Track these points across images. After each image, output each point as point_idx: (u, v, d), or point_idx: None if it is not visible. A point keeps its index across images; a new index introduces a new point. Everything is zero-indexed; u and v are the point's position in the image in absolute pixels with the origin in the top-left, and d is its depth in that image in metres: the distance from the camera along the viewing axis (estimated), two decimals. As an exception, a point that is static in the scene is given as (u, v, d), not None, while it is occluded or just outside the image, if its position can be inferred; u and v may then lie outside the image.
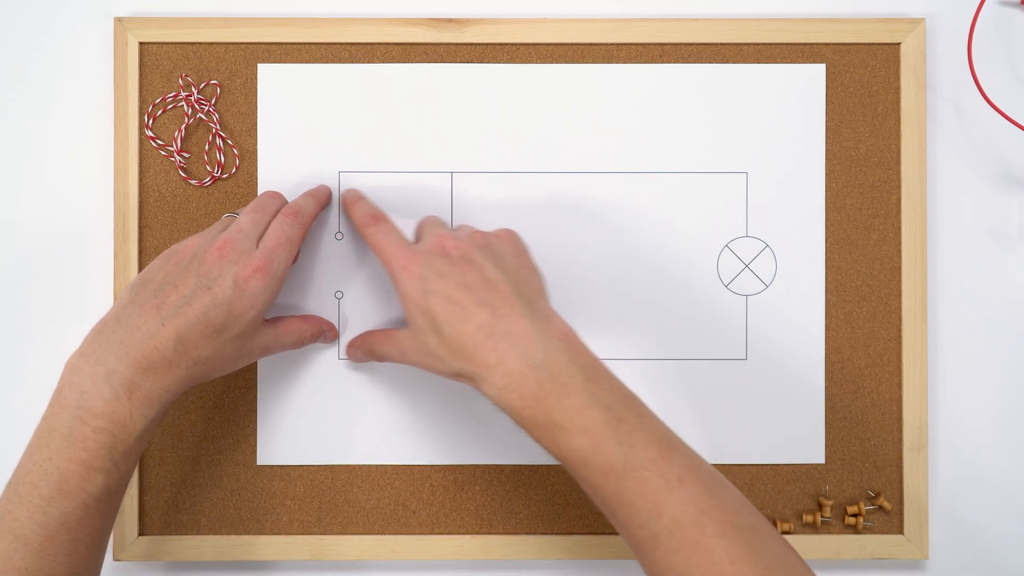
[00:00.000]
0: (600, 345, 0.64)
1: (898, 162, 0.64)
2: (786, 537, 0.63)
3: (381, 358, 0.60)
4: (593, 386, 0.51)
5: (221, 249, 0.55)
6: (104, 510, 0.52)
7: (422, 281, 0.54)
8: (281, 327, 0.60)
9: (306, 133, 0.64)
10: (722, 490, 0.49)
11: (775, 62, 0.64)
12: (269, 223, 0.58)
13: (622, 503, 0.49)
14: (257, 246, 0.56)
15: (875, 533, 0.64)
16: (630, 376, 0.64)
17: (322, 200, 0.62)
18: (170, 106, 0.64)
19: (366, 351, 0.61)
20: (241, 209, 0.60)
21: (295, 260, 0.61)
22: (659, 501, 0.48)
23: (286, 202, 0.61)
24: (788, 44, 0.64)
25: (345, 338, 0.64)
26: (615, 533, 0.64)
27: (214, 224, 0.60)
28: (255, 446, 0.64)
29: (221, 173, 0.64)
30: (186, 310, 0.53)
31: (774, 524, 0.63)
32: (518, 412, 0.51)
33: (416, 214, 0.64)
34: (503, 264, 0.55)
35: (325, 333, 0.63)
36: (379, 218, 0.59)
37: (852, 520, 0.63)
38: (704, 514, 0.48)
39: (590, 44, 0.64)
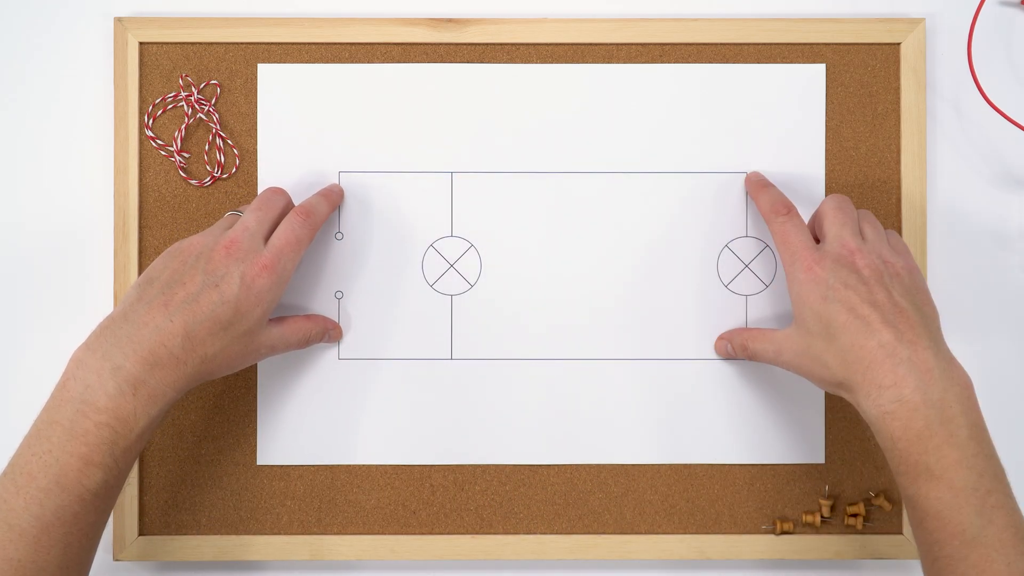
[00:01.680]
0: (600, 345, 0.64)
1: (898, 162, 0.64)
2: (785, 537, 0.63)
3: (752, 356, 0.60)
4: (976, 446, 0.50)
5: (228, 247, 0.55)
6: (100, 505, 0.52)
7: (826, 287, 0.53)
8: (287, 326, 0.60)
9: (306, 133, 0.64)
10: None
11: (775, 62, 0.64)
12: (275, 220, 0.58)
13: (954, 569, 0.49)
14: (264, 244, 0.57)
15: (875, 533, 0.64)
16: (630, 376, 0.64)
17: (335, 202, 0.62)
18: (170, 106, 0.64)
19: (737, 346, 0.62)
20: (244, 207, 0.60)
21: None
22: (992, 573, 0.48)
23: (290, 199, 0.61)
24: (788, 44, 0.64)
25: (349, 337, 0.64)
26: (615, 533, 0.64)
27: (218, 222, 0.60)
28: (255, 446, 0.64)
29: (221, 173, 0.64)
30: (194, 307, 0.53)
31: (774, 524, 0.63)
32: (893, 441, 0.50)
33: (416, 214, 0.64)
34: (909, 294, 0.54)
35: (329, 332, 0.63)
36: (790, 208, 0.58)
37: (852, 520, 0.63)
38: None
39: (590, 44, 0.64)
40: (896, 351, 0.51)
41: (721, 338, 0.63)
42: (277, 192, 0.61)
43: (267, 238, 0.57)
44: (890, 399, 0.50)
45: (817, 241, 0.58)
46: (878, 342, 0.51)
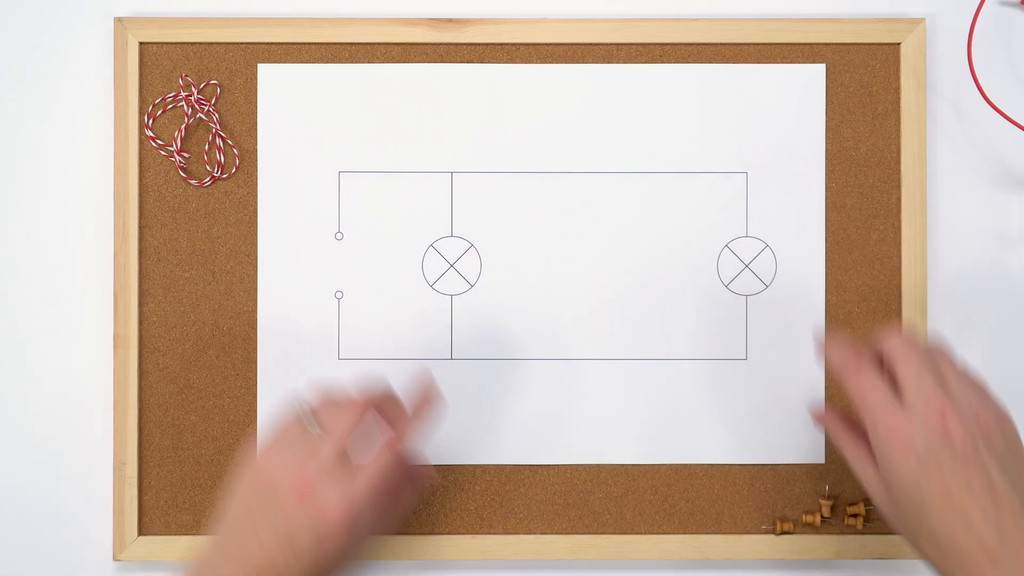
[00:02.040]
0: (600, 345, 0.64)
1: (898, 162, 0.64)
2: (785, 537, 0.63)
3: (849, 463, 0.54)
4: None
5: (301, 493, 0.51)
6: None
7: (916, 458, 0.48)
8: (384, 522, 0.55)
9: (306, 133, 0.64)
10: None
11: (775, 62, 0.64)
12: (364, 450, 0.53)
13: None
14: (345, 476, 0.52)
15: (875, 533, 0.64)
16: (630, 376, 0.64)
17: (427, 409, 0.57)
18: (170, 106, 0.64)
19: (834, 434, 0.55)
20: (316, 401, 0.54)
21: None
22: None
23: (369, 409, 0.54)
24: (788, 44, 0.64)
25: (349, 337, 0.64)
26: (615, 533, 0.64)
27: (290, 425, 0.54)
28: (255, 446, 0.64)
29: (221, 173, 0.64)
30: (272, 571, 0.51)
31: (774, 524, 0.63)
32: None
33: (416, 214, 0.64)
34: (1008, 465, 0.48)
35: (424, 481, 0.58)
36: (861, 363, 0.52)
37: (852, 520, 0.63)
38: None
39: (590, 44, 0.64)
40: (998, 554, 0.46)
41: (821, 418, 0.57)
42: (358, 407, 0.54)
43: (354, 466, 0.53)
44: None
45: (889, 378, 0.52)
46: (978, 542, 0.46)
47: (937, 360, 0.51)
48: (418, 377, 0.60)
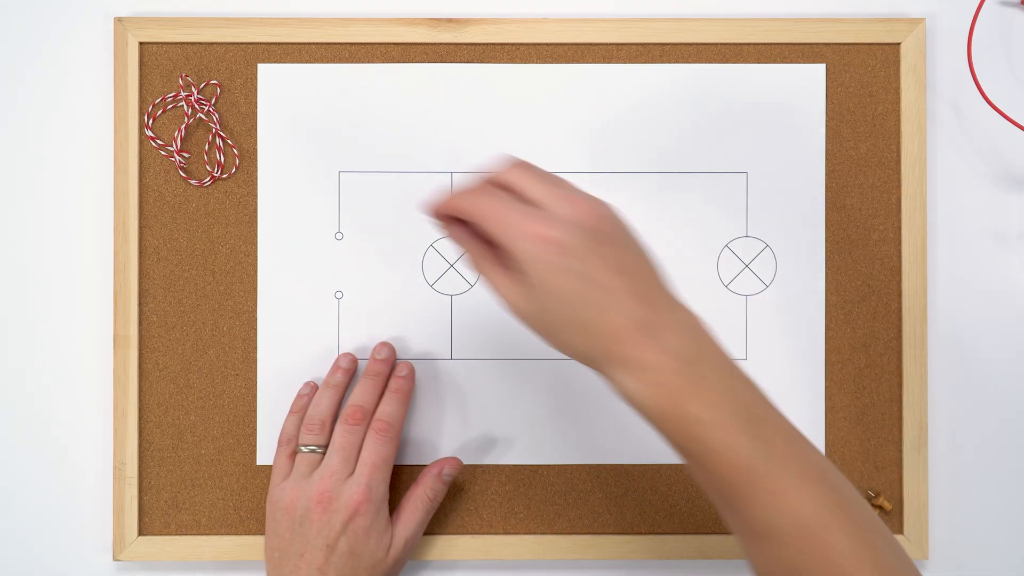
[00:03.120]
0: (600, 345, 0.64)
1: (898, 162, 0.64)
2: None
3: (486, 286, 0.52)
4: (729, 379, 0.48)
5: (322, 504, 0.58)
6: None
7: (563, 254, 0.47)
8: (406, 513, 0.61)
9: (306, 133, 0.64)
10: (847, 491, 0.48)
11: (775, 62, 0.64)
12: (358, 444, 0.60)
13: (744, 497, 0.48)
14: (352, 475, 0.59)
15: (875, 533, 0.64)
16: (630, 376, 0.64)
17: (407, 394, 0.63)
18: (170, 106, 0.64)
19: (475, 263, 0.52)
20: (306, 422, 0.62)
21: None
22: (787, 498, 0.47)
23: (368, 418, 0.61)
24: (788, 44, 0.64)
25: (349, 337, 0.64)
26: (615, 533, 0.64)
27: (285, 455, 0.62)
28: (255, 446, 0.64)
29: (221, 173, 0.64)
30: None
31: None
32: (647, 403, 0.47)
33: (416, 214, 0.64)
34: (637, 244, 0.50)
35: (445, 470, 0.63)
36: (485, 187, 0.51)
37: (852, 520, 0.63)
38: (830, 512, 0.46)
39: (590, 44, 0.64)
40: (649, 321, 0.47)
41: (451, 229, 0.52)
42: (355, 422, 0.61)
43: (356, 458, 0.60)
44: (638, 367, 0.47)
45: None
46: (629, 316, 0.47)
47: (550, 182, 0.51)
48: (379, 353, 0.63)
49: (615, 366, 0.48)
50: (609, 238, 0.48)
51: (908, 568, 0.48)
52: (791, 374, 0.64)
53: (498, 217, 0.48)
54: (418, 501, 0.61)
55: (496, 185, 0.50)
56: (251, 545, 0.63)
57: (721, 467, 0.48)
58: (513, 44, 0.64)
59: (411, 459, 0.64)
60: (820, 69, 0.64)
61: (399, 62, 0.64)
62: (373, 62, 0.64)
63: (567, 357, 0.64)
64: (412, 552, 0.62)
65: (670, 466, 0.64)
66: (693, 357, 0.48)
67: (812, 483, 0.47)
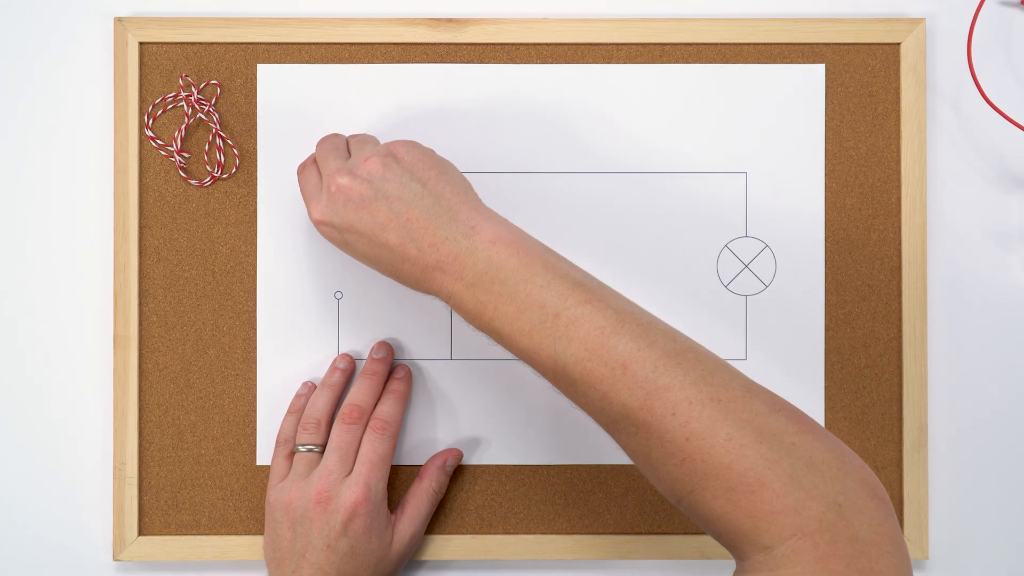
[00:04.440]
0: (600, 345, 0.64)
1: (898, 162, 0.64)
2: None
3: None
4: (526, 287, 0.50)
5: (320, 503, 0.58)
6: None
7: (339, 232, 0.54)
8: (409, 508, 0.61)
9: (306, 133, 0.64)
10: (679, 367, 0.47)
11: (775, 62, 0.64)
12: (356, 443, 0.60)
13: (577, 393, 0.50)
14: (351, 473, 0.59)
15: (875, 533, 0.63)
16: (630, 376, 0.64)
17: (404, 397, 0.63)
18: (170, 106, 0.64)
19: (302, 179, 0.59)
20: (302, 421, 0.62)
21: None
22: (605, 390, 0.48)
23: (365, 418, 0.61)
24: (788, 44, 0.64)
25: (349, 337, 0.64)
26: (615, 533, 0.64)
27: (282, 455, 0.62)
28: (255, 446, 0.64)
29: (221, 173, 0.64)
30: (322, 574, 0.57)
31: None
32: (468, 323, 0.53)
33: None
34: (411, 185, 0.54)
35: (448, 461, 0.63)
36: (305, 164, 0.59)
37: (852, 520, 0.63)
38: (652, 397, 0.47)
39: (590, 44, 0.64)
40: (424, 263, 0.52)
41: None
42: (353, 420, 0.61)
43: (354, 457, 0.60)
44: (445, 297, 0.52)
45: None
46: (409, 264, 0.53)
47: (355, 138, 0.58)
48: (376, 353, 0.63)
49: (434, 295, 0.53)
50: (366, 201, 0.53)
51: (731, 378, 0.47)
52: (791, 374, 0.64)
53: (304, 199, 0.57)
54: (423, 495, 0.61)
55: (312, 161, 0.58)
56: (251, 545, 0.63)
57: (540, 370, 0.51)
58: (513, 44, 0.64)
59: (410, 459, 0.64)
60: (820, 69, 0.64)
61: (399, 62, 0.64)
62: (373, 62, 0.64)
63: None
64: (416, 548, 0.62)
65: (670, 466, 0.64)
66: (483, 279, 0.51)
67: (629, 370, 0.48)
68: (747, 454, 0.45)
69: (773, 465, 0.44)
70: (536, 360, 0.50)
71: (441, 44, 0.64)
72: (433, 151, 0.56)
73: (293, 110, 0.64)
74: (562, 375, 0.50)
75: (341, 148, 0.57)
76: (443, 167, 0.55)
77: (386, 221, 0.53)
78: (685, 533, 0.64)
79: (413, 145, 0.56)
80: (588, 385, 0.48)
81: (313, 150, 0.61)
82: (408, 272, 0.53)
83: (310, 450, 0.60)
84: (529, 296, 0.50)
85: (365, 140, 0.57)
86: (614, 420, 0.48)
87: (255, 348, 0.64)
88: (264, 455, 0.64)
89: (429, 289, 0.53)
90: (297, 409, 0.63)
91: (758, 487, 0.44)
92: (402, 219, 0.53)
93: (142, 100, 0.64)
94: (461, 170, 0.65)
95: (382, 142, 0.64)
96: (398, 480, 0.64)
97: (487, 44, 0.64)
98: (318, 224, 0.55)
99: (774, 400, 0.47)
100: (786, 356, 0.64)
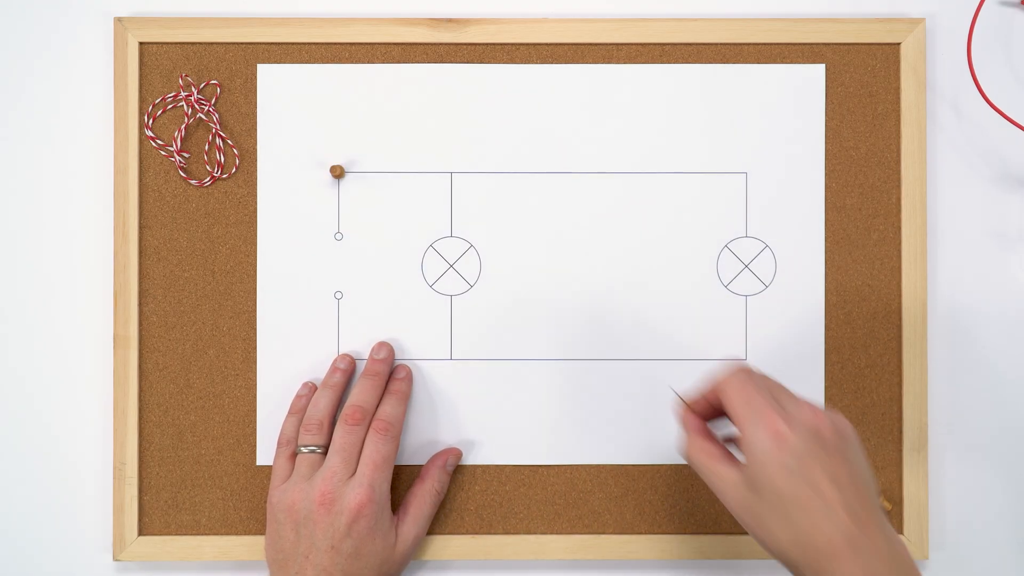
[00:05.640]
0: (600, 345, 0.64)
1: (898, 162, 0.64)
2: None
3: (697, 471, 0.54)
4: None
5: (324, 504, 0.58)
6: None
7: (792, 455, 0.49)
8: (413, 508, 0.61)
9: (306, 133, 0.64)
10: None
11: (775, 62, 0.64)
12: (359, 444, 0.60)
13: None
14: (355, 474, 0.59)
15: (875, 533, 0.63)
16: (630, 377, 0.64)
17: (406, 397, 0.63)
18: (170, 106, 0.64)
19: (690, 451, 0.55)
20: (304, 422, 0.61)
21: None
22: None
23: (370, 417, 0.61)
24: (788, 44, 0.64)
25: (349, 337, 0.64)
26: (615, 533, 0.64)
27: (285, 456, 0.62)
28: (255, 446, 0.64)
29: (221, 173, 0.64)
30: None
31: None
32: None
33: (416, 214, 0.64)
34: (862, 464, 0.51)
35: (448, 460, 0.63)
36: (739, 376, 0.53)
37: (852, 520, 0.63)
38: None
39: (590, 44, 0.64)
40: (855, 541, 0.48)
41: (684, 419, 0.56)
42: (355, 421, 0.60)
43: (357, 458, 0.60)
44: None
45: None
46: (840, 530, 0.48)
47: (773, 389, 0.53)
48: (377, 353, 0.63)
49: (815, 574, 0.49)
50: (836, 450, 0.50)
51: None
52: (791, 374, 0.64)
53: (749, 400, 0.51)
54: (426, 495, 0.61)
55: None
56: (251, 545, 0.63)
57: None
58: (513, 44, 0.64)
59: (411, 459, 0.64)
60: (820, 69, 0.64)
61: (399, 62, 0.64)
62: (373, 62, 0.64)
63: (567, 357, 0.64)
64: (419, 548, 0.62)
65: (670, 466, 0.64)
66: None
67: None
68: None
69: None
70: None
71: (441, 44, 0.64)
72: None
73: (293, 110, 0.64)
74: None
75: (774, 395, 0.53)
76: (868, 463, 0.52)
77: (843, 480, 0.50)
78: (685, 533, 0.64)
79: (851, 428, 0.52)
80: None
81: (313, 150, 0.61)
82: (823, 536, 0.48)
83: (313, 451, 0.60)
84: None
85: (799, 404, 0.53)
86: None
87: (255, 348, 0.64)
88: (264, 455, 0.64)
89: (827, 567, 0.49)
90: (298, 410, 0.63)
91: None
92: (855, 489, 0.50)
93: (142, 100, 0.64)
94: (460, 170, 0.65)
95: (384, 144, 0.64)
96: (399, 480, 0.64)
97: (487, 44, 0.64)
98: (779, 435, 0.50)
99: None
100: (786, 356, 0.64)
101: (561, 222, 0.64)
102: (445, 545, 0.64)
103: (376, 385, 0.62)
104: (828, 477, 0.49)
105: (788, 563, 0.50)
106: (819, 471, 0.49)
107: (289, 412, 0.63)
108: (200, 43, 0.64)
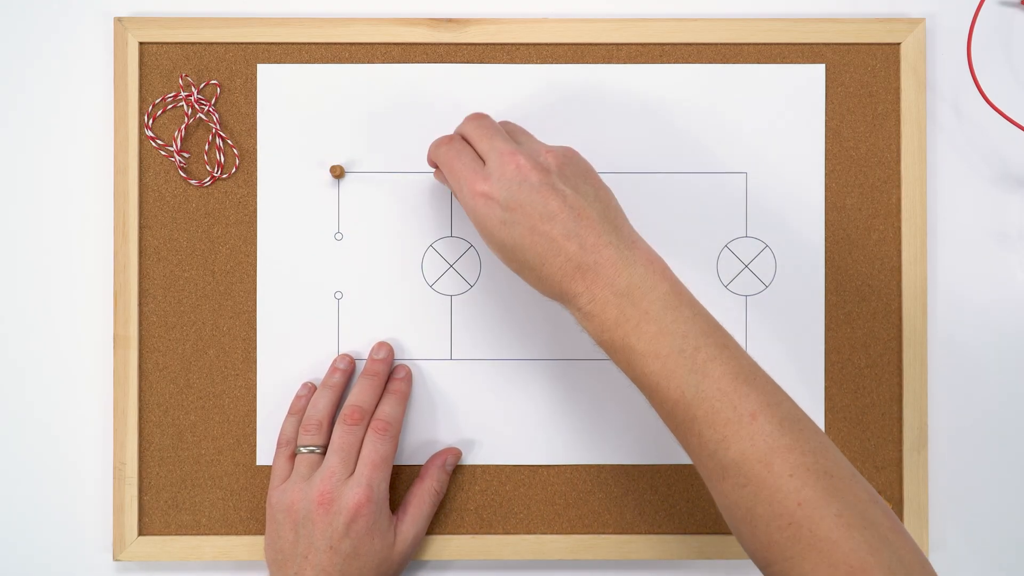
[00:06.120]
0: (600, 345, 0.64)
1: (898, 162, 0.64)
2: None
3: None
4: (672, 313, 0.50)
5: (323, 505, 0.58)
6: None
7: (500, 207, 0.52)
8: (412, 508, 0.61)
9: (306, 133, 0.64)
10: (801, 433, 0.48)
11: (775, 62, 0.64)
12: (357, 444, 0.60)
13: (692, 432, 0.49)
14: (353, 474, 0.59)
15: (875, 533, 0.64)
16: (630, 376, 0.64)
17: (405, 397, 0.63)
18: (170, 106, 0.64)
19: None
20: (304, 422, 0.62)
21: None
22: (727, 434, 0.48)
23: (368, 418, 0.61)
24: (788, 44, 0.64)
25: (349, 337, 0.64)
26: (615, 533, 0.64)
27: (284, 456, 0.62)
28: (255, 446, 0.64)
29: (221, 173, 0.64)
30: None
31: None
32: (598, 335, 0.52)
33: (416, 214, 0.64)
34: (584, 187, 0.53)
35: (447, 460, 0.63)
36: (452, 137, 0.57)
37: (852, 520, 0.63)
38: (774, 452, 0.47)
39: (590, 44, 0.64)
40: (582, 260, 0.51)
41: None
42: (354, 421, 0.60)
43: (356, 458, 0.60)
44: (585, 302, 0.51)
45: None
46: (565, 257, 0.51)
47: (508, 127, 0.58)
48: (377, 353, 0.63)
49: (567, 303, 0.52)
50: (544, 187, 0.52)
51: (871, 513, 0.47)
52: (791, 374, 0.64)
53: (451, 172, 0.55)
54: (425, 495, 0.62)
55: (460, 137, 0.57)
56: (251, 545, 0.63)
57: (661, 399, 0.50)
58: (513, 44, 0.64)
59: (410, 459, 0.64)
60: (820, 69, 0.64)
61: (399, 62, 0.64)
62: (373, 62, 0.64)
63: (567, 357, 0.64)
64: (419, 548, 0.62)
65: (670, 466, 0.64)
66: (634, 292, 0.51)
67: (756, 421, 0.48)
68: (854, 535, 0.45)
69: (876, 552, 0.45)
70: (659, 386, 0.50)
71: (441, 44, 0.64)
72: (594, 169, 0.56)
73: (293, 110, 0.64)
74: (682, 408, 0.49)
75: (502, 130, 0.56)
76: (605, 185, 0.55)
77: (557, 211, 0.51)
78: (685, 533, 0.64)
79: (580, 156, 0.55)
80: (709, 425, 0.48)
81: (313, 150, 0.61)
82: (556, 268, 0.51)
83: (312, 451, 0.60)
84: (674, 323, 0.50)
85: (529, 133, 0.57)
86: (724, 467, 0.48)
87: (255, 348, 0.64)
88: (264, 455, 0.64)
89: (568, 289, 0.52)
90: (298, 410, 0.63)
91: (860, 570, 0.45)
92: (574, 213, 0.51)
93: (142, 100, 0.64)
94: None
95: (384, 144, 0.64)
96: (398, 480, 0.64)
97: (487, 44, 0.64)
98: (482, 196, 0.53)
99: (872, 491, 0.48)
100: (786, 356, 0.64)
101: (561, 222, 0.64)
102: (445, 545, 0.64)
103: (375, 385, 0.62)
104: (541, 214, 0.51)
105: (552, 298, 0.53)
106: (533, 213, 0.51)
107: (289, 412, 0.63)
108: (200, 43, 0.64)
